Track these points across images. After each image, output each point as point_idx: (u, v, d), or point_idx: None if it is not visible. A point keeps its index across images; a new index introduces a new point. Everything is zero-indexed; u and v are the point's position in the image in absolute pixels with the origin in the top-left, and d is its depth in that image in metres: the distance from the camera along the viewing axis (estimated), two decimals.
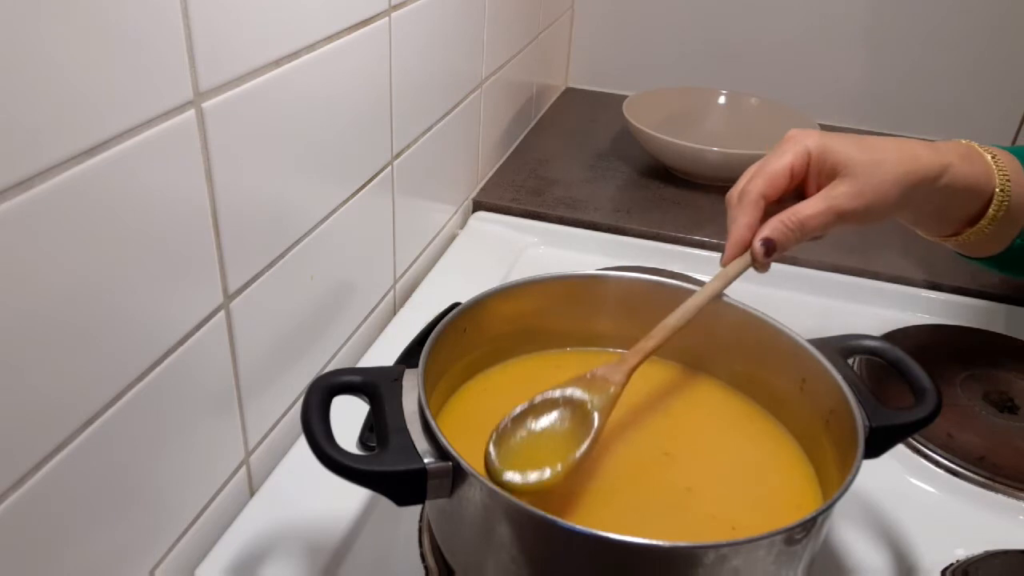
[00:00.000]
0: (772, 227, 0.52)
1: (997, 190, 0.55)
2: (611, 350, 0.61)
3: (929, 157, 0.53)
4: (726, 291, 0.54)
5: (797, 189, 0.55)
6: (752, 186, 0.53)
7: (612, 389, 0.49)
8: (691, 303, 0.52)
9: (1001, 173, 0.56)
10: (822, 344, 0.52)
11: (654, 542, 0.38)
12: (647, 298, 0.58)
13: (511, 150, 1.09)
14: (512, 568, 0.42)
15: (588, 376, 0.49)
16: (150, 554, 0.49)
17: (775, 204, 0.54)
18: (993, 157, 0.56)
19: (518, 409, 0.47)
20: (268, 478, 0.58)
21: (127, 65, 0.39)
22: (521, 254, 0.89)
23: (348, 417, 0.55)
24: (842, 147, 0.53)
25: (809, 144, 0.54)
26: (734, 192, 0.55)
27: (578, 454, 0.46)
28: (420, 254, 0.83)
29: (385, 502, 0.43)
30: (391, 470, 0.42)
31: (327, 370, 0.65)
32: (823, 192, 0.53)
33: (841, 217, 0.52)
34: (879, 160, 0.52)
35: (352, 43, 0.59)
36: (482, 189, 0.99)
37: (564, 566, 0.42)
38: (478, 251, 0.89)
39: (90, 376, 0.41)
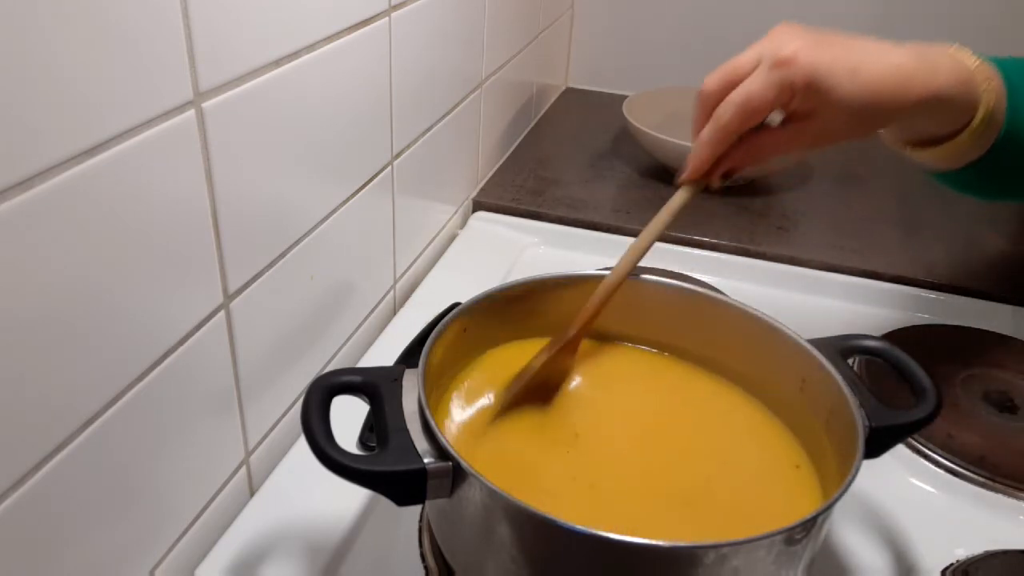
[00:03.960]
0: (733, 158, 0.53)
1: (982, 109, 0.51)
2: None
3: (923, 83, 0.49)
4: (726, 292, 0.54)
5: None
6: (732, 119, 0.51)
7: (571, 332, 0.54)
8: (644, 236, 0.54)
9: (986, 88, 0.52)
10: (822, 344, 0.52)
11: (654, 542, 0.38)
12: (647, 298, 0.58)
13: (511, 150, 1.09)
14: (512, 568, 0.42)
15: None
16: (150, 554, 0.49)
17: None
18: (986, 78, 0.52)
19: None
20: (268, 478, 0.58)
21: (127, 65, 0.39)
22: (521, 254, 0.89)
23: (348, 417, 0.55)
24: (837, 81, 0.48)
25: (797, 78, 0.48)
26: (710, 96, 0.52)
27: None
28: (420, 254, 0.83)
29: (385, 502, 0.43)
30: (391, 470, 0.42)
31: (327, 370, 0.65)
32: (796, 127, 0.50)
33: (806, 150, 0.51)
34: (869, 99, 0.48)
35: (352, 43, 0.59)
36: (482, 189, 0.99)
37: (564, 566, 0.42)
38: (478, 251, 0.89)
39: (90, 376, 0.41)
